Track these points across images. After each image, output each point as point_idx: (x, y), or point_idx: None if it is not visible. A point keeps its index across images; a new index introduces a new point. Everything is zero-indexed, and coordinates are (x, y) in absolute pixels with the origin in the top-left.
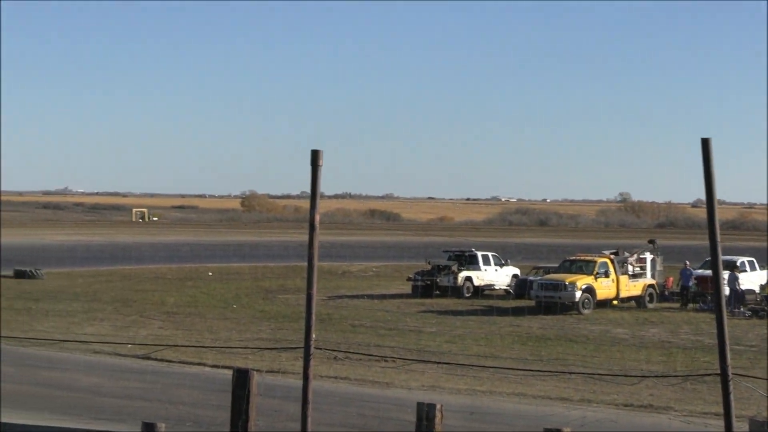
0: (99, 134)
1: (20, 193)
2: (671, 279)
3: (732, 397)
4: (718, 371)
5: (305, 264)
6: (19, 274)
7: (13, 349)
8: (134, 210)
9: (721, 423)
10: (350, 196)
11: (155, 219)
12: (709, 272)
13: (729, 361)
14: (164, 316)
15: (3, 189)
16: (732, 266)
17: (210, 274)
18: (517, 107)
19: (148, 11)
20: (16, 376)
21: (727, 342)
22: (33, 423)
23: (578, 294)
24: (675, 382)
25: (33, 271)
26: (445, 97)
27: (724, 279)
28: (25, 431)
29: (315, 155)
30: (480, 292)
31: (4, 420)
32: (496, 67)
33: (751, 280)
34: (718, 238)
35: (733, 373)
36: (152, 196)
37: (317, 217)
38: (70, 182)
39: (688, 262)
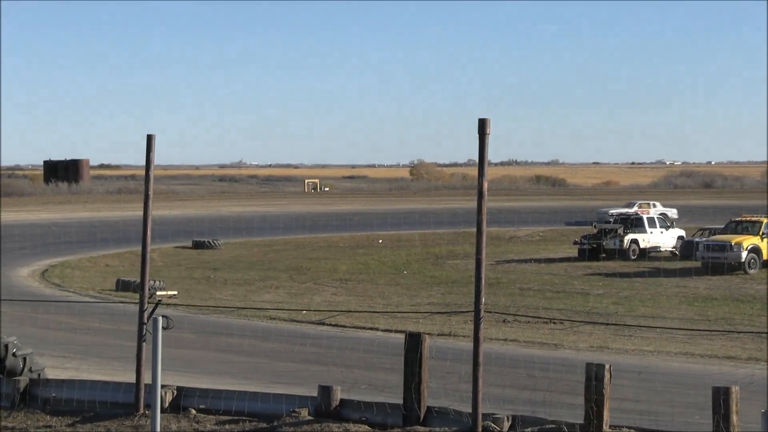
0: (271, 108)
1: (197, 167)
2: None
3: None
4: None
5: (473, 230)
6: (198, 245)
7: (193, 316)
8: (306, 181)
9: None
10: (516, 163)
11: (327, 189)
12: None
13: None
14: (337, 283)
15: (180, 163)
16: None
17: (380, 241)
18: (679, 70)
19: None
20: (197, 342)
21: None
22: (216, 387)
23: (744, 254)
24: None
25: (211, 241)
26: (607, 62)
27: None
28: (209, 395)
29: (482, 124)
30: (646, 254)
31: (188, 384)
32: (658, 31)
33: None
34: None
35: None
36: (323, 167)
37: (485, 184)
38: (244, 155)
39: None
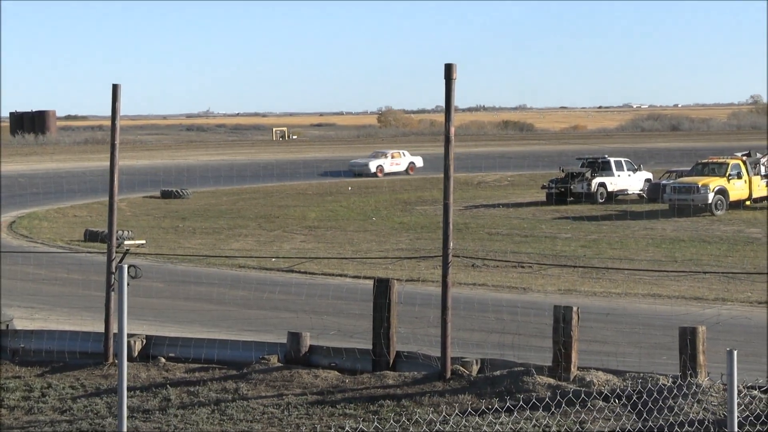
0: (238, 57)
1: (164, 117)
2: None
3: None
4: None
5: (441, 176)
6: (166, 194)
7: (162, 266)
8: (274, 129)
9: None
10: (484, 109)
11: (295, 137)
12: None
13: None
14: (306, 230)
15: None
16: None
17: (349, 188)
18: (646, 14)
19: None
20: (166, 291)
21: None
22: (185, 335)
23: (711, 196)
24: None
25: (179, 191)
26: (574, 6)
27: None
28: (178, 343)
29: (448, 69)
30: (613, 197)
31: (158, 333)
32: None
33: None
34: None
35: None
36: (291, 115)
37: (452, 130)
38: (212, 105)
39: None
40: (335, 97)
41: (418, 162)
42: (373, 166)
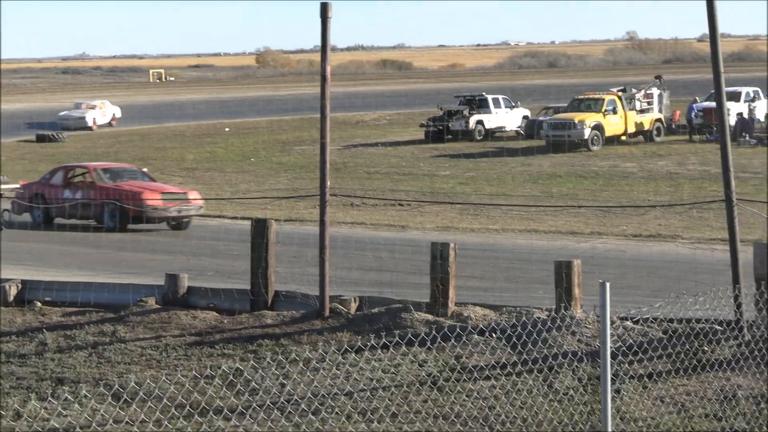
0: None
1: (39, 60)
2: (678, 112)
3: (737, 222)
4: (723, 198)
5: (319, 116)
6: (42, 138)
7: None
8: (151, 71)
9: (726, 248)
10: (362, 48)
11: (172, 79)
12: (713, 104)
13: (733, 187)
14: (184, 172)
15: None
16: (738, 97)
17: (227, 129)
18: None
19: None
20: (42, 235)
21: (731, 169)
22: (61, 279)
23: (587, 131)
24: (681, 210)
25: (55, 134)
26: None
27: (729, 109)
28: (54, 287)
29: (324, 8)
30: (491, 134)
31: (34, 278)
32: None
33: (757, 109)
34: (721, 68)
35: (737, 199)
36: (168, 57)
37: (328, 69)
38: (87, 47)
39: (697, 98)
40: (213, 38)
41: (118, 113)
42: (89, 118)
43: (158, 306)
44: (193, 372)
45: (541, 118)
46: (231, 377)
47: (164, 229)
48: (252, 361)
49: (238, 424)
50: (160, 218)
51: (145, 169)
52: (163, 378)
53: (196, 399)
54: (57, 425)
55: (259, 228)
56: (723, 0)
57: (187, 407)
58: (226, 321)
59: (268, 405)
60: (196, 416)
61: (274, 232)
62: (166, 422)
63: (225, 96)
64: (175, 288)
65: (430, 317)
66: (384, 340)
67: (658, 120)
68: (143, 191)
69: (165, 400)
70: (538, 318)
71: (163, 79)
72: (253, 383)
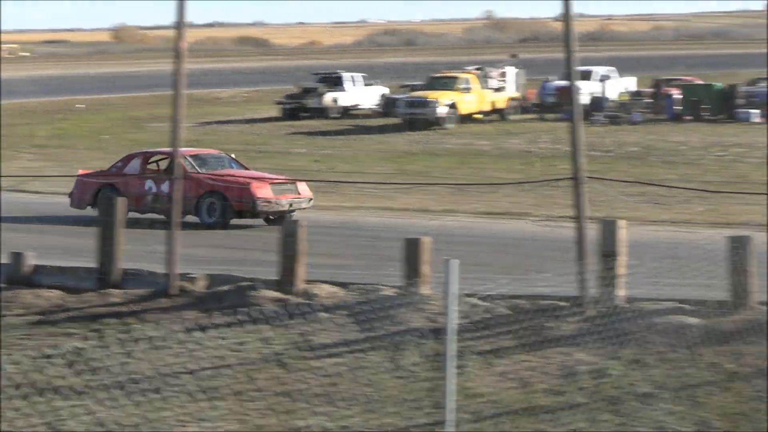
0: None
1: None
2: (532, 91)
3: (583, 200)
4: (572, 176)
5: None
6: None
7: None
8: (3, 46)
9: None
10: (220, 25)
11: (26, 54)
12: (567, 83)
13: (581, 165)
14: (34, 149)
15: None
16: (590, 76)
17: (80, 106)
18: None
19: None
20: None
21: (581, 147)
22: None
23: (442, 109)
24: (531, 188)
25: None
26: None
27: (580, 88)
28: None
29: None
30: (347, 112)
31: None
32: None
33: (609, 88)
34: (573, 48)
35: (587, 177)
36: (22, 32)
37: (184, 45)
38: None
39: (550, 78)
40: (68, 13)
41: None
42: None
43: (3, 285)
44: (33, 351)
45: (397, 96)
46: (71, 356)
47: (13, 206)
48: (95, 340)
49: (78, 403)
50: (273, 213)
51: (233, 155)
52: (2, 357)
53: (36, 378)
54: None
55: (107, 205)
56: None
57: (26, 387)
58: (71, 299)
59: (110, 384)
60: (34, 396)
61: (123, 210)
62: (2, 402)
63: (79, 72)
64: (20, 266)
65: (278, 295)
66: (230, 318)
67: (513, 99)
68: (251, 182)
69: (3, 380)
70: (386, 295)
71: (16, 55)
72: (96, 362)
